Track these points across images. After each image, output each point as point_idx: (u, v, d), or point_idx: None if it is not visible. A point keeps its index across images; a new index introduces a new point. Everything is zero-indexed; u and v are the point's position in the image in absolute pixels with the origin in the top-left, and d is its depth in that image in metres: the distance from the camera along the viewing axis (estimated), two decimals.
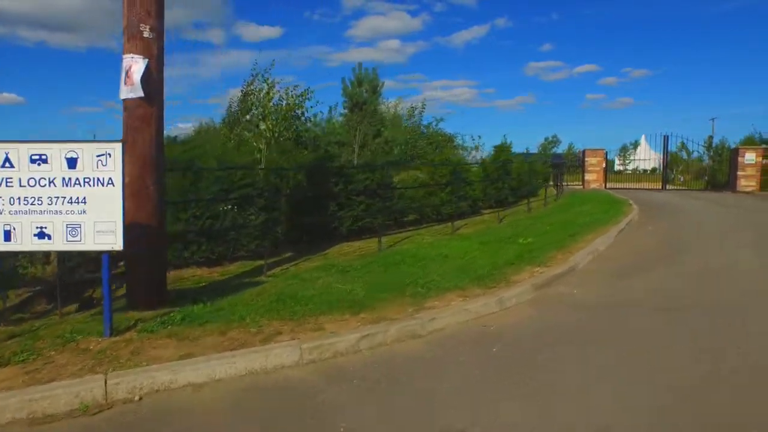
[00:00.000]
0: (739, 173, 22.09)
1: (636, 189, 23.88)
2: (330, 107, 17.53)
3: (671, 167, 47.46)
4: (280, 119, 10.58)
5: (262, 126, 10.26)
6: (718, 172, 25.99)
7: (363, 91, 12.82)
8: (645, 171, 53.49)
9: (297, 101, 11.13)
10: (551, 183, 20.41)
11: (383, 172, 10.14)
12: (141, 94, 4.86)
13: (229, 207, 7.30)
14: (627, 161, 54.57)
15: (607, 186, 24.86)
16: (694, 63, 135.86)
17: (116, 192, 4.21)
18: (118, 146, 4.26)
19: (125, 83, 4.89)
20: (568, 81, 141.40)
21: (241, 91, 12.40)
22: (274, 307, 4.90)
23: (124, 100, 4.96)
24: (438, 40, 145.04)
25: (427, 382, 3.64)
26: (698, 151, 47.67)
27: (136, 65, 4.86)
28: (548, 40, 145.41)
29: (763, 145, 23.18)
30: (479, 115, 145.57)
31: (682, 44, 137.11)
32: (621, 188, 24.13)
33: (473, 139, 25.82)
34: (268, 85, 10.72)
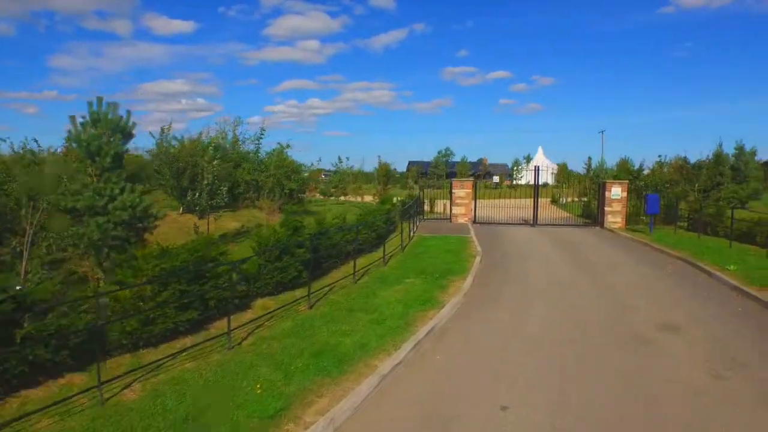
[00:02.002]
0: (607, 209, 20.54)
1: (505, 224, 21.70)
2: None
3: (561, 184, 47.57)
4: None
5: None
6: (592, 201, 24.65)
7: (103, 135, 8.72)
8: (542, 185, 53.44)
9: None
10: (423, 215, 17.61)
11: None
12: None
13: None
14: (518, 176, 54.66)
15: (477, 218, 22.56)
16: (593, 73, 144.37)
17: None
18: None
19: None
20: (482, 86, 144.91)
21: None
22: None
23: None
24: (357, 42, 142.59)
25: None
26: (585, 169, 48.17)
27: None
28: (464, 46, 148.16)
29: (628, 179, 21.94)
30: (397, 118, 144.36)
31: (585, 56, 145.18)
32: (489, 223, 21.83)
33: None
34: None
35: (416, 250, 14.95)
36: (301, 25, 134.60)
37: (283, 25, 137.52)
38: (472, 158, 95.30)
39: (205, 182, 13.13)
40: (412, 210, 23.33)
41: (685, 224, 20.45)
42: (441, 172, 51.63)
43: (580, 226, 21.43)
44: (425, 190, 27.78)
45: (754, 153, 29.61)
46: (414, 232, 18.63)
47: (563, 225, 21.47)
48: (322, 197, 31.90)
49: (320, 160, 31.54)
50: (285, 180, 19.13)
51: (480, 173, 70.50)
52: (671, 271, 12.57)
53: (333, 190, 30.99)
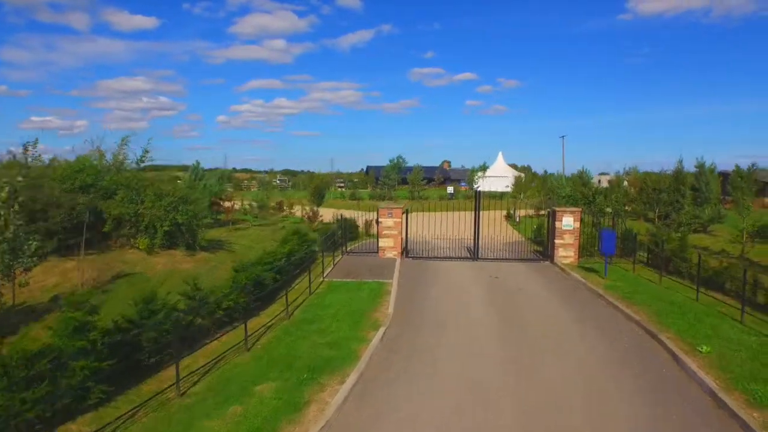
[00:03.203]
0: (557, 241, 17.67)
1: (441, 259, 18.58)
2: None
3: (521, 192, 45.04)
4: None
5: None
6: (544, 226, 21.79)
7: None
8: (499, 195, 51.00)
9: None
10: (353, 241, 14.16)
11: None
12: None
13: None
14: (476, 184, 51.95)
15: (409, 249, 19.46)
16: (556, 76, 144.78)
17: None
18: None
19: None
20: (449, 87, 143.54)
21: None
22: None
23: None
24: (325, 42, 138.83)
25: None
26: (542, 181, 45.82)
27: None
28: (431, 48, 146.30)
29: (584, 203, 19.20)
30: (365, 119, 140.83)
31: (547, 59, 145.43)
32: (422, 256, 18.67)
33: None
34: None
35: (309, 315, 11.59)
36: (268, 23, 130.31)
37: (249, 23, 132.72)
38: (436, 161, 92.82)
39: (8, 234, 9.49)
40: (338, 235, 20.08)
41: (645, 256, 17.83)
42: (392, 182, 48.51)
43: (528, 260, 18.50)
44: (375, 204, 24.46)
45: (713, 169, 27.59)
46: (326, 276, 15.30)
47: (509, 260, 18.50)
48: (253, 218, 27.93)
49: (234, 169, 27.74)
50: (168, 212, 15.50)
51: (436, 180, 67.88)
52: (626, 348, 9.61)
53: (259, 211, 27.23)
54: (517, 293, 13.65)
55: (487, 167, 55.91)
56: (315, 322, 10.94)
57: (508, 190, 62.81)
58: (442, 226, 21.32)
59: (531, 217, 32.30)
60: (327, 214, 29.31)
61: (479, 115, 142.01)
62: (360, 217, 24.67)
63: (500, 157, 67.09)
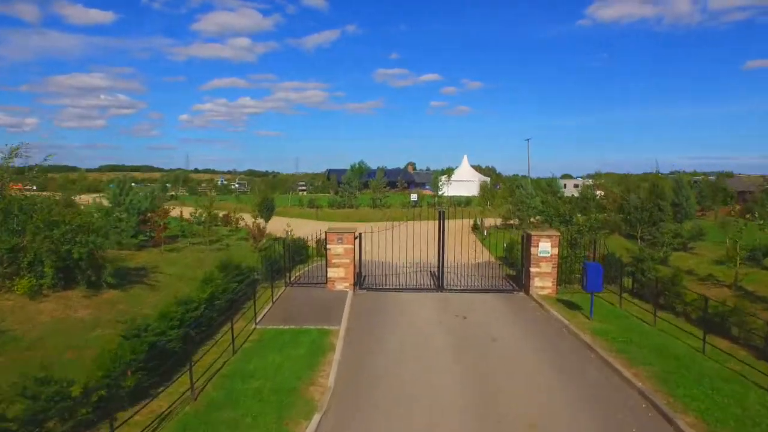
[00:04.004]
0: (533, 270, 15.39)
1: (401, 291, 16.03)
2: None
3: (487, 200, 42.97)
4: None
5: None
6: (516, 246, 19.56)
7: None
8: (465, 201, 49.10)
9: None
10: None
11: None
12: None
13: None
14: (440, 191, 49.93)
15: (364, 279, 16.88)
16: (519, 78, 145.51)
17: None
18: None
19: None
20: (413, 88, 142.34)
21: None
22: None
23: None
24: (290, 41, 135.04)
25: None
26: (510, 189, 43.87)
27: None
28: (396, 49, 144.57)
29: (558, 231, 17.05)
30: (329, 119, 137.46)
31: (510, 62, 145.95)
32: (378, 288, 16.07)
33: None
34: None
35: (224, 392, 8.77)
36: (232, 21, 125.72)
37: (212, 21, 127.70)
38: (401, 162, 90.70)
39: None
40: (287, 258, 17.22)
41: (630, 283, 15.79)
42: (353, 189, 45.69)
43: (501, 291, 16.13)
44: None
45: (690, 180, 26.21)
46: (258, 321, 12.51)
47: (479, 290, 16.10)
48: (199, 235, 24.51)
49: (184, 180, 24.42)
50: (61, 244, 12.41)
51: (399, 185, 65.57)
52: None
53: (202, 226, 23.90)
54: (492, 346, 11.19)
55: (453, 170, 53.86)
56: (228, 407, 8.17)
57: (474, 194, 61.24)
58: (402, 243, 18.79)
59: (499, 228, 30.25)
60: (280, 225, 26.23)
61: (443, 116, 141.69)
62: (314, 231, 21.78)
63: (465, 160, 65.34)
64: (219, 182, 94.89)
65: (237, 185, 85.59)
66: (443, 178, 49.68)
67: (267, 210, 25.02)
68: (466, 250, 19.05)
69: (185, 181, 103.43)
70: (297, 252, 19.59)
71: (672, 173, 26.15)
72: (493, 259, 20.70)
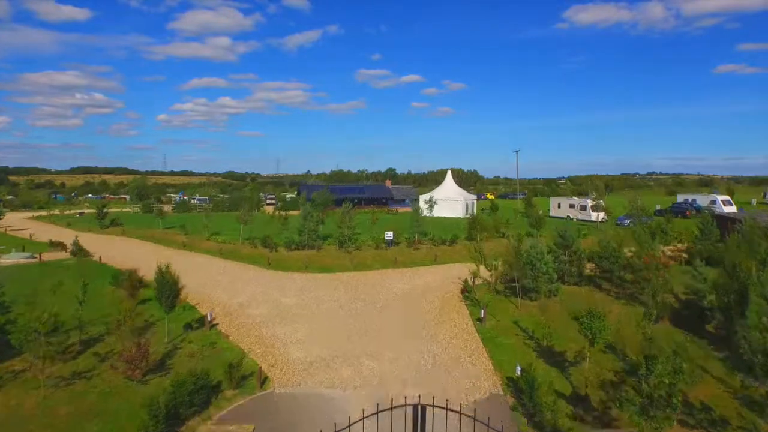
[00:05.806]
0: None
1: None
2: None
3: (478, 260, 35.54)
4: None
5: None
6: (535, 372, 12.58)
7: None
8: (448, 239, 42.40)
9: None
10: None
11: None
12: None
13: None
14: (431, 208, 43.53)
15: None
16: (501, 80, 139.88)
17: None
18: None
19: None
20: (395, 89, 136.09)
21: None
22: None
23: None
24: (271, 41, 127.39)
25: None
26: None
27: None
28: (378, 50, 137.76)
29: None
30: (311, 119, 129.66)
31: (492, 64, 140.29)
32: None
33: None
34: None
35: None
36: (212, 21, 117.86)
37: (191, 20, 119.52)
38: (381, 166, 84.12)
39: None
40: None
41: None
42: (318, 222, 38.22)
43: None
44: None
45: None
46: None
47: None
48: None
49: None
50: None
51: (375, 206, 58.49)
52: None
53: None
54: None
55: (433, 172, 46.93)
56: None
57: (460, 215, 54.31)
58: (363, 336, 11.38)
59: (498, 291, 23.30)
60: (206, 290, 18.17)
61: (425, 117, 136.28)
62: (263, 305, 14.13)
63: (449, 176, 58.39)
64: (177, 198, 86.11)
65: (197, 200, 76.61)
66: (424, 198, 42.66)
67: (167, 297, 17.00)
68: (453, 357, 11.97)
69: (142, 190, 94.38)
70: (196, 391, 12.35)
71: (649, 174, 19.97)
72: (499, 389, 13.73)
